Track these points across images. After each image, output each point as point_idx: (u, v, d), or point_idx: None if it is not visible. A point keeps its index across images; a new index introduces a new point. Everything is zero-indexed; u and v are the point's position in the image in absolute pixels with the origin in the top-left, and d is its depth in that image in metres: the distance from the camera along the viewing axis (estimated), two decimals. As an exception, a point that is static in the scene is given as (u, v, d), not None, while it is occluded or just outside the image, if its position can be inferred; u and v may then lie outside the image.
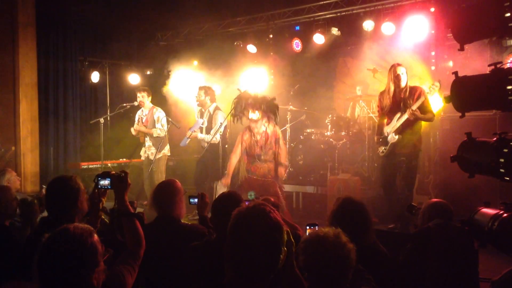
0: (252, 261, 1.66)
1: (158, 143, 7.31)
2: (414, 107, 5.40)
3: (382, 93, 5.91)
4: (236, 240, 1.69)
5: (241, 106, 5.85)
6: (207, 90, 7.16)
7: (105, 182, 2.66)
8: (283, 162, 6.02)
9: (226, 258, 1.71)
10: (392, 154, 5.70)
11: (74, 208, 2.78)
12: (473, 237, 2.75)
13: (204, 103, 7.16)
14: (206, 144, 6.89)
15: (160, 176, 7.33)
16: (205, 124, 7.08)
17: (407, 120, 5.52)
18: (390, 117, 5.71)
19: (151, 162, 7.31)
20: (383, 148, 5.78)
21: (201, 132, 7.12)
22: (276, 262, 1.69)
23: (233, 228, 1.71)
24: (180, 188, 3.36)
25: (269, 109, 5.81)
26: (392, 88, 5.66)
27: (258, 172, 5.93)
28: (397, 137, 5.59)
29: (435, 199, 3.57)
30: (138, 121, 7.54)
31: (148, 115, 7.49)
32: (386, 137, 5.75)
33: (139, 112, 7.62)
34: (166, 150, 7.55)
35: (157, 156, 7.33)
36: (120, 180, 2.61)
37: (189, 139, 7.09)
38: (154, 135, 7.38)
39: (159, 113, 7.47)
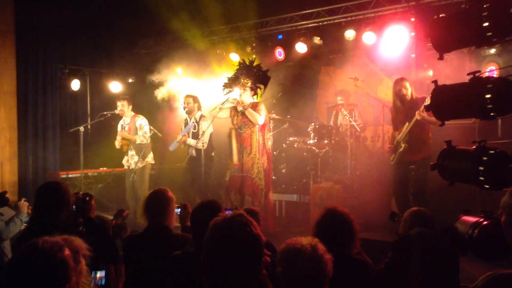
0: (229, 275, 1.59)
1: (141, 151, 7.23)
2: (422, 107, 5.48)
3: (391, 108, 6.11)
4: (212, 253, 1.62)
5: (237, 78, 6.36)
6: (195, 98, 7.24)
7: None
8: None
9: (202, 270, 1.64)
10: (401, 162, 5.85)
11: (66, 209, 3.00)
12: (454, 244, 2.76)
13: (193, 110, 7.17)
14: (193, 151, 6.88)
15: (143, 185, 7.25)
16: (196, 129, 7.07)
17: (414, 127, 5.63)
18: (401, 128, 5.85)
19: (133, 171, 7.23)
20: (393, 156, 5.97)
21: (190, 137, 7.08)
22: (254, 276, 1.63)
23: (209, 241, 1.64)
24: (173, 197, 3.35)
25: (260, 79, 6.33)
26: (397, 102, 5.84)
27: (245, 167, 6.25)
28: (403, 145, 5.75)
29: (416, 207, 3.59)
30: (121, 130, 7.48)
31: (130, 123, 7.43)
32: (395, 146, 5.92)
33: (121, 121, 7.56)
34: (150, 158, 7.49)
35: (141, 165, 7.26)
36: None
37: (178, 143, 7.04)
38: (137, 142, 7.31)
39: (141, 121, 7.42)
